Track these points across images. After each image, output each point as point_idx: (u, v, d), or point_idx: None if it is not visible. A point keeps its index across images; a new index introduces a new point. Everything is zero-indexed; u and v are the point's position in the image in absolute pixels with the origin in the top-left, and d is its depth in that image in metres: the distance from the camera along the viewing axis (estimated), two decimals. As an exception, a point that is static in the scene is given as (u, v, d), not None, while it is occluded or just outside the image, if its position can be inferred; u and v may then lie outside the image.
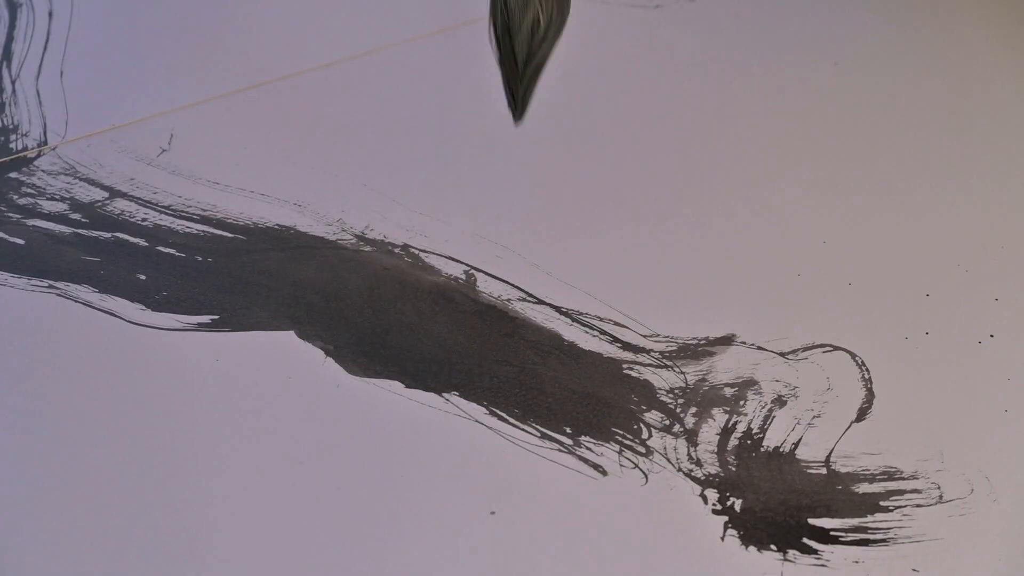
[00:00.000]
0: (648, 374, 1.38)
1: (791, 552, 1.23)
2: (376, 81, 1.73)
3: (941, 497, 1.28)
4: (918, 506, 1.27)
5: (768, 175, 1.61)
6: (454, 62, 1.76)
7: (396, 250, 1.50)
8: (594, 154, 1.62)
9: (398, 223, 1.53)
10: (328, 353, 1.39)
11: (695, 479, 1.29)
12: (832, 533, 1.25)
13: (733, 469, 1.30)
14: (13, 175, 1.58)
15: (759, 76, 1.75)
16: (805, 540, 1.24)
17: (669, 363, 1.39)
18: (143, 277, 1.46)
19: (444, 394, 1.35)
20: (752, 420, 1.34)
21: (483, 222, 1.53)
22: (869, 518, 1.26)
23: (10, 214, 1.52)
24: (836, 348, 1.41)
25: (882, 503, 1.27)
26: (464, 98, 1.70)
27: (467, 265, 1.48)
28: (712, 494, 1.28)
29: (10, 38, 1.77)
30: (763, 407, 1.35)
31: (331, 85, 1.71)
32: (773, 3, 1.85)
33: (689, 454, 1.31)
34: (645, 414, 1.34)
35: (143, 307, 1.43)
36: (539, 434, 1.32)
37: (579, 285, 1.47)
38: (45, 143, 1.62)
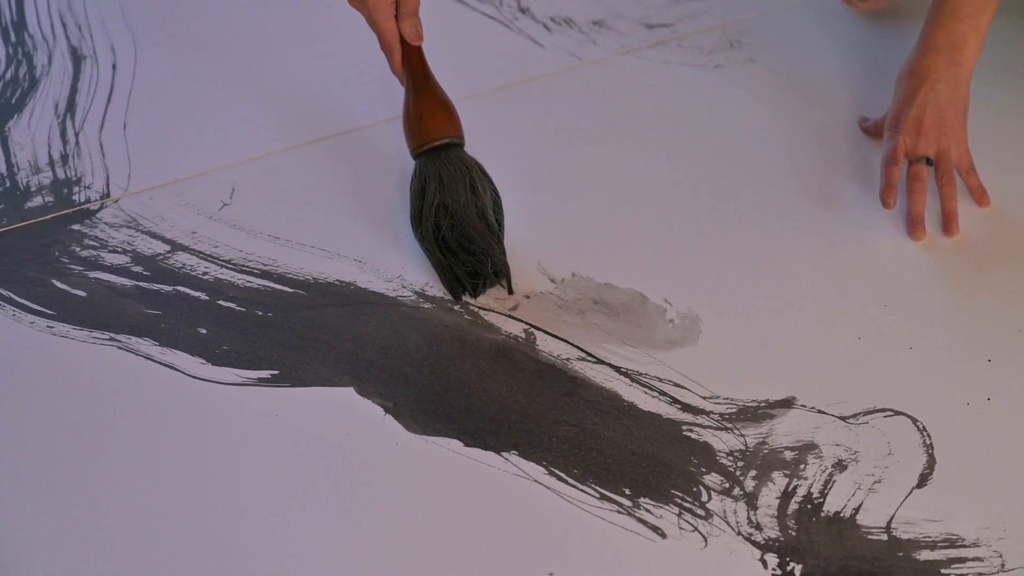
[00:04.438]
0: (708, 436, 1.38)
1: (852, 619, 1.23)
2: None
3: (1003, 566, 1.27)
4: (980, 574, 1.26)
5: (828, 238, 1.60)
6: (510, 119, 1.76)
7: (456, 308, 1.50)
8: (657, 212, 1.62)
9: (458, 280, 1.54)
10: (387, 410, 1.39)
11: (755, 543, 1.28)
12: (893, 601, 1.24)
13: (793, 534, 1.29)
14: (76, 227, 1.59)
15: (820, 136, 1.74)
16: (866, 607, 1.24)
17: (729, 425, 1.39)
18: (204, 331, 1.47)
19: (503, 453, 1.35)
20: (812, 484, 1.33)
21: (544, 280, 1.53)
22: (931, 586, 1.25)
23: (72, 266, 1.53)
24: (897, 413, 1.40)
25: (943, 571, 1.26)
26: (521, 155, 1.70)
27: (526, 324, 1.48)
28: (772, 559, 1.27)
29: (74, 90, 1.79)
30: (823, 471, 1.35)
31: (392, 140, 1.71)
32: (830, 63, 1.85)
33: (749, 518, 1.30)
34: (705, 476, 1.34)
35: (203, 361, 1.44)
36: (598, 495, 1.32)
37: (638, 345, 1.47)
38: (108, 195, 1.63)
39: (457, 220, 1.51)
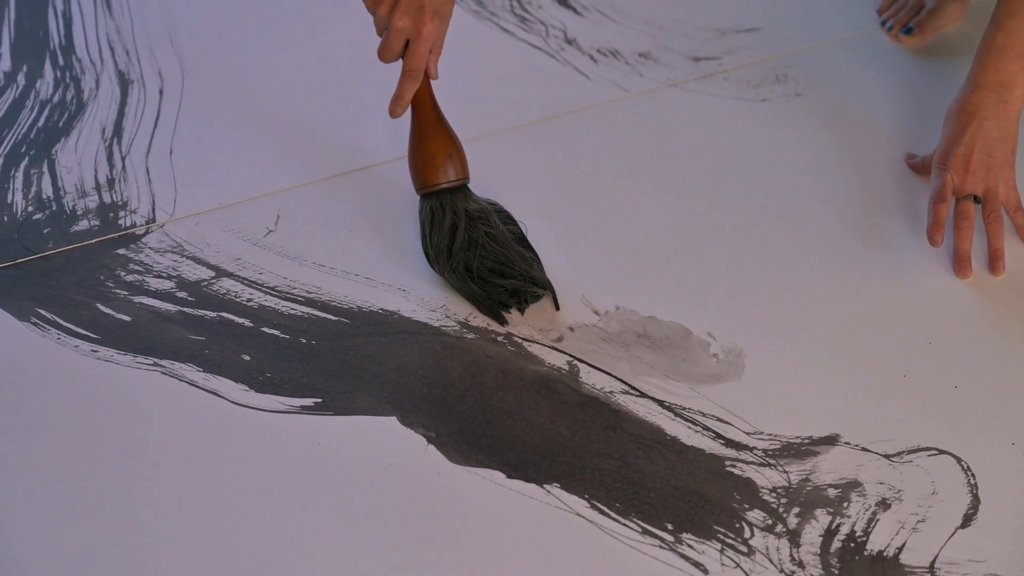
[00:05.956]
0: (751, 472, 1.37)
1: (895, 660, 1.22)
2: (480, 167, 1.73)
3: (1048, 608, 1.26)
4: (1024, 617, 1.25)
5: (873, 274, 1.60)
6: (555, 149, 1.76)
7: (499, 338, 1.50)
8: (702, 246, 1.62)
9: (501, 311, 1.54)
10: (430, 440, 1.39)
11: (797, 581, 1.28)
12: (937, 642, 1.23)
13: (836, 572, 1.28)
14: (121, 251, 1.59)
15: (866, 172, 1.74)
16: (909, 648, 1.23)
17: (772, 461, 1.38)
18: (247, 358, 1.47)
19: (545, 485, 1.35)
20: (856, 522, 1.33)
21: (587, 313, 1.53)
22: (975, 628, 1.25)
23: (117, 291, 1.54)
24: (941, 452, 1.39)
25: (988, 613, 1.26)
26: (565, 186, 1.70)
27: (570, 356, 1.48)
28: (814, 597, 1.27)
29: (121, 115, 1.80)
30: (867, 509, 1.34)
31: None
32: (877, 98, 1.85)
33: (792, 555, 1.30)
34: (747, 513, 1.33)
35: (246, 388, 1.44)
36: (640, 530, 1.31)
37: (682, 379, 1.46)
38: (153, 220, 1.64)
39: (488, 251, 1.52)
